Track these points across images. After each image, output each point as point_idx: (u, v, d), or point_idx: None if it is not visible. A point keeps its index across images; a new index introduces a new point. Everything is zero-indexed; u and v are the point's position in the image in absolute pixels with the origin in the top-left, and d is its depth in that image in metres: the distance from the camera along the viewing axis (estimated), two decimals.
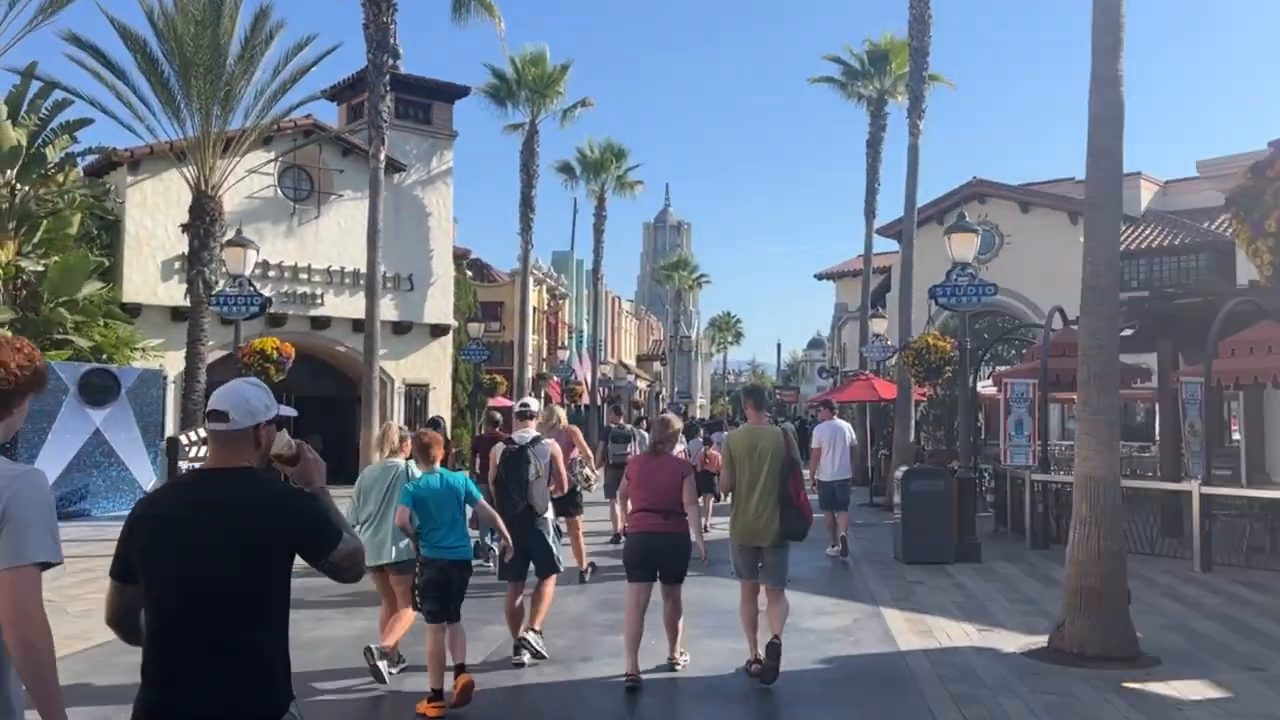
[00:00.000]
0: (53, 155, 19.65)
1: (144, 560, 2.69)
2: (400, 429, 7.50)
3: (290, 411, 11.80)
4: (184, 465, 16.91)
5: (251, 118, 20.17)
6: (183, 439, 17.25)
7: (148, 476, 18.03)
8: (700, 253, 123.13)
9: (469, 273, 33.16)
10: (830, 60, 26.24)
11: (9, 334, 3.88)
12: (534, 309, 35.94)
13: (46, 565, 2.50)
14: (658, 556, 6.70)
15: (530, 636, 7.18)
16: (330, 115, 26.92)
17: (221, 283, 16.58)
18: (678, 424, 7.27)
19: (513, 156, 28.90)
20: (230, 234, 20.34)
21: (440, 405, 26.82)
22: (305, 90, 20.56)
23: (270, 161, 23.33)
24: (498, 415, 14.44)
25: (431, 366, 26.81)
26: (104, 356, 18.85)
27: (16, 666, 2.46)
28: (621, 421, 15.26)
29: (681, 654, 7.04)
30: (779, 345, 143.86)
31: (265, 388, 2.90)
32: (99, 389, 17.18)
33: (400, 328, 25.91)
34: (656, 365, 64.82)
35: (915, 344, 12.06)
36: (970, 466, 12.17)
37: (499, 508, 7.09)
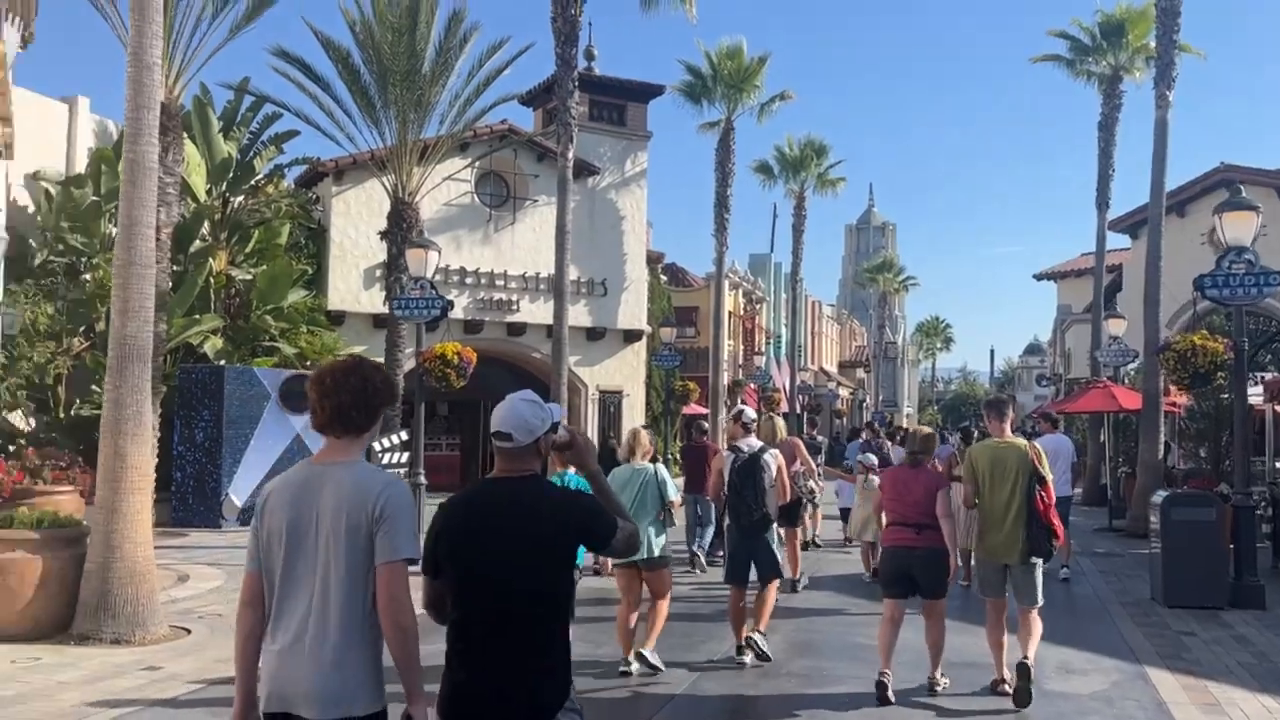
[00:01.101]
0: (260, 167, 20.26)
1: (450, 561, 3.03)
2: (648, 434, 8.10)
3: (558, 410, 11.40)
4: None
5: (446, 124, 20.17)
6: (375, 446, 17.28)
7: None
8: (906, 255, 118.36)
9: (663, 277, 32.48)
10: (1056, 36, 23.79)
11: (357, 353, 3.97)
12: (729, 313, 34.84)
13: (412, 561, 2.89)
14: (912, 571, 6.68)
15: (756, 637, 7.45)
16: (526, 121, 26.84)
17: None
18: (932, 435, 7.38)
19: (708, 156, 27.89)
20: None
21: (634, 412, 26.20)
22: (499, 93, 20.22)
23: (466, 167, 23.34)
24: (705, 424, 14.66)
25: (625, 373, 26.22)
26: (307, 363, 19.19)
27: (389, 645, 2.85)
28: (814, 433, 14.34)
29: (942, 676, 6.84)
30: (992, 351, 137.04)
31: (538, 401, 3.17)
32: (300, 395, 17.33)
33: (593, 334, 25.45)
34: (860, 373, 62.34)
35: (1178, 345, 10.07)
36: (1248, 490, 10.10)
37: (733, 516, 7.50)
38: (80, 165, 18.63)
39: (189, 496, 15.92)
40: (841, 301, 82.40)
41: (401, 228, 18.41)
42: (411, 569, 2.90)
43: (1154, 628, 8.96)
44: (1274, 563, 12.16)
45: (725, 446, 8.19)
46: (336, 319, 21.56)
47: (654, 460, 7.87)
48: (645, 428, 8.65)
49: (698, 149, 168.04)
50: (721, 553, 12.51)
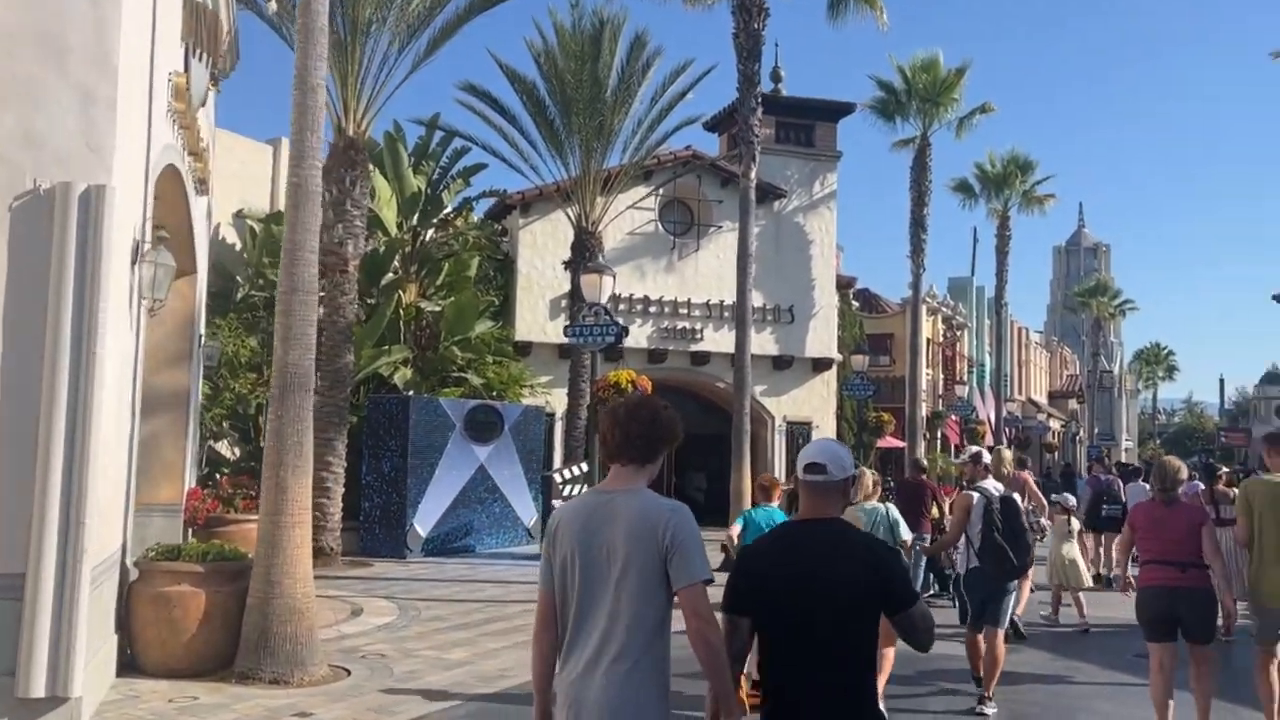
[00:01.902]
0: (449, 200, 20.57)
1: (756, 601, 3.12)
2: (873, 474, 8.09)
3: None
4: (556, 502, 16.66)
5: (629, 151, 19.96)
6: (556, 476, 16.96)
7: (529, 513, 17.98)
8: (1122, 277, 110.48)
9: (855, 303, 31.09)
10: None
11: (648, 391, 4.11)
12: (927, 340, 33.02)
13: (709, 581, 3.02)
14: (1177, 611, 6.27)
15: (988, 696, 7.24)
16: (711, 147, 26.36)
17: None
18: (1181, 465, 6.86)
19: (903, 175, 26.58)
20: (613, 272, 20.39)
21: None
22: (681, 117, 19.80)
23: (650, 194, 23.06)
24: (924, 462, 14.77)
25: (814, 403, 25.09)
26: (493, 394, 19.23)
27: (700, 660, 2.98)
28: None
29: None
30: (1221, 380, 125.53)
31: (848, 447, 3.50)
32: (483, 425, 17.35)
33: (780, 362, 24.50)
34: (1072, 404, 58.16)
35: None
36: None
37: (992, 562, 7.21)
38: (282, 203, 19.47)
39: (375, 526, 16.06)
40: (1050, 328, 77.70)
41: (585, 257, 18.19)
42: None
43: None
44: None
45: (959, 486, 8.23)
46: (523, 349, 21.59)
47: (883, 500, 7.92)
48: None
49: (892, 168, 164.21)
50: (931, 593, 11.68)
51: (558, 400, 20.81)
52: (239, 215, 18.56)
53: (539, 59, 18.99)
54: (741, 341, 16.47)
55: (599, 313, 12.12)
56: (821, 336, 24.90)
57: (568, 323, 19.01)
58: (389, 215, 18.77)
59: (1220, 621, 6.61)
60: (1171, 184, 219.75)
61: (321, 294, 16.21)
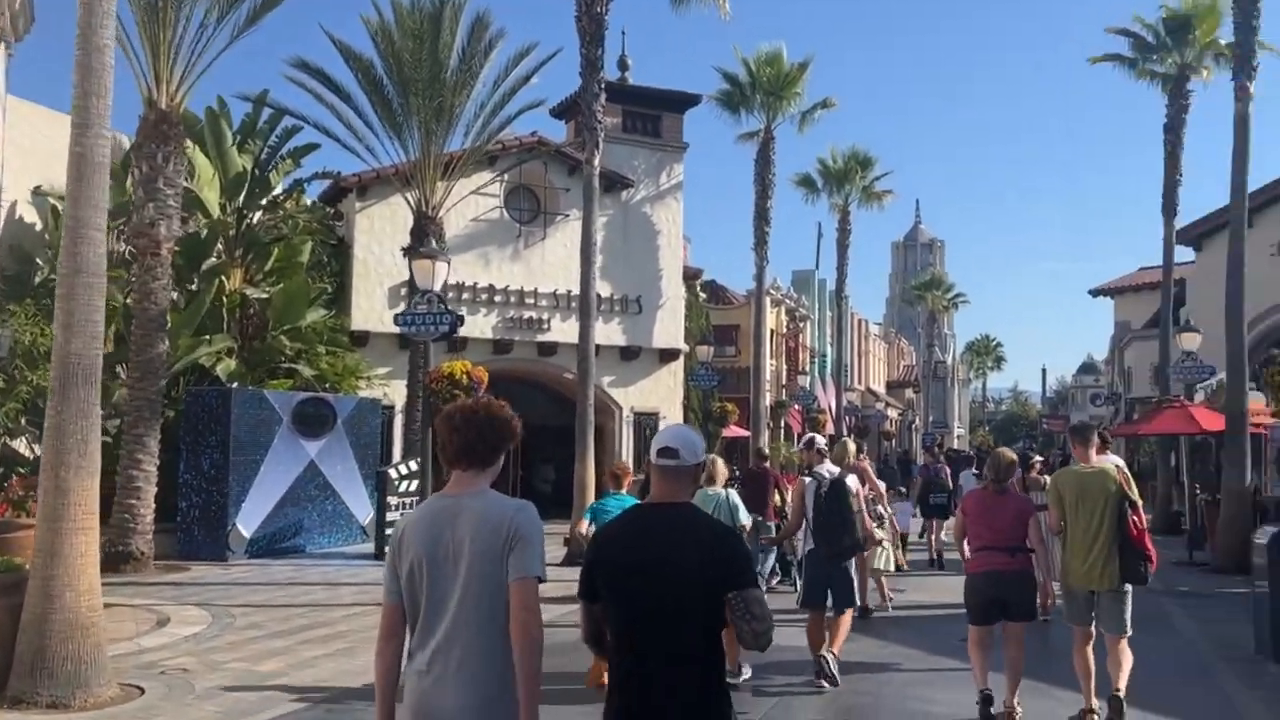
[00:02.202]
0: (277, 180, 19.48)
1: (607, 585, 3.14)
2: (722, 461, 8.53)
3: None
4: (392, 499, 15.99)
5: (472, 135, 19.34)
6: (392, 472, 16.30)
7: (365, 511, 17.20)
8: (955, 272, 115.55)
9: (702, 294, 31.31)
10: (1117, 33, 22.40)
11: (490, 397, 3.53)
12: (771, 332, 33.59)
13: (541, 580, 3.04)
14: (1004, 594, 6.62)
15: (829, 657, 7.47)
16: (559, 134, 25.93)
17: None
18: (1013, 458, 7.16)
19: (748, 168, 26.77)
20: (456, 258, 19.75)
21: None
22: (525, 100, 19.28)
23: (494, 180, 22.48)
24: (766, 450, 14.88)
25: (661, 394, 25.07)
26: (327, 386, 18.33)
27: (518, 657, 2.96)
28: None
29: (1019, 704, 6.65)
30: (1044, 371, 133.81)
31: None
32: (313, 419, 16.47)
33: (627, 353, 24.36)
34: (908, 393, 60.56)
35: None
36: None
37: (822, 542, 7.51)
38: None
39: (194, 528, 15.01)
40: (889, 320, 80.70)
41: (424, 243, 17.50)
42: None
43: (1269, 690, 7.62)
44: None
45: (800, 473, 8.28)
46: (360, 339, 20.69)
47: (727, 485, 8.12)
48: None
49: (737, 161, 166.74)
50: (777, 580, 11.99)
51: (397, 392, 20.05)
52: (38, 192, 17.01)
53: (375, 36, 18.17)
54: (586, 331, 16.19)
55: (432, 300, 11.58)
56: (669, 327, 24.89)
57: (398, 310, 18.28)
58: (211, 196, 17.60)
59: (1038, 602, 6.90)
60: (1001, 184, 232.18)
61: (131, 279, 15.10)
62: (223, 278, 17.44)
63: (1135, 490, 6.80)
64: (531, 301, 23.01)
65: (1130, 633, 6.58)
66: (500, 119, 19.37)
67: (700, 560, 3.04)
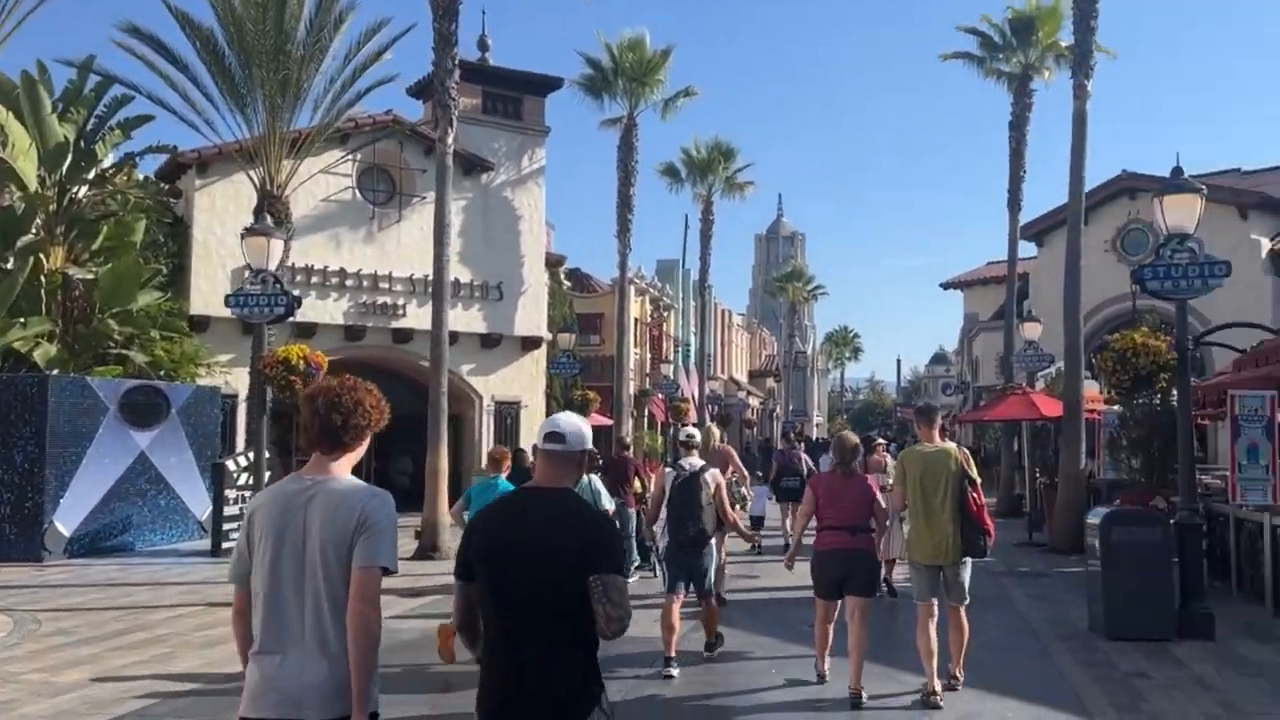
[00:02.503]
0: (103, 153, 18.13)
1: (482, 566, 3.11)
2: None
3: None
4: (230, 493, 15.07)
5: (321, 110, 18.44)
6: (230, 464, 15.39)
7: (202, 506, 16.19)
8: (815, 265, 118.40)
9: (566, 282, 31.00)
10: (966, 32, 23.06)
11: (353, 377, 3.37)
12: (635, 320, 33.54)
13: (388, 571, 2.99)
14: (847, 572, 6.91)
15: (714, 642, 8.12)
16: (416, 114, 25.09)
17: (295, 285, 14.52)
18: (857, 441, 7.51)
19: (613, 155, 26.49)
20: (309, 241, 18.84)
21: (533, 424, 24.57)
22: (378, 76, 18.46)
23: (344, 160, 21.54)
24: (628, 439, 15.33)
25: (523, 382, 24.62)
26: (162, 373, 17.20)
27: (351, 648, 2.90)
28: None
29: (863, 684, 6.82)
30: (899, 361, 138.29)
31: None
32: (144, 408, 15.38)
33: (488, 340, 23.80)
34: (770, 382, 61.65)
35: (1118, 344, 8.96)
36: (1193, 506, 9.04)
37: (671, 531, 7.75)
38: None
39: (5, 526, 13.80)
40: (752, 311, 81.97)
41: (270, 224, 16.56)
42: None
43: (1100, 668, 7.79)
44: (1209, 582, 11.19)
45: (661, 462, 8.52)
46: (200, 324, 19.49)
47: (589, 472, 8.31)
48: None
49: (602, 148, 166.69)
50: (635, 565, 12.17)
51: (241, 381, 19.01)
52: None
53: (216, 3, 17.07)
54: (439, 316, 15.61)
55: (268, 280, 10.86)
56: (531, 315, 24.44)
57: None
58: (27, 167, 16.21)
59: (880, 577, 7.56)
60: (860, 179, 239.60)
61: None
62: (41, 256, 16.11)
63: (975, 469, 7.04)
64: (386, 286, 22.18)
65: (969, 600, 6.97)
66: (351, 95, 18.53)
67: (577, 545, 3.03)
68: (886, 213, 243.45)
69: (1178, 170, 8.96)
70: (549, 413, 25.12)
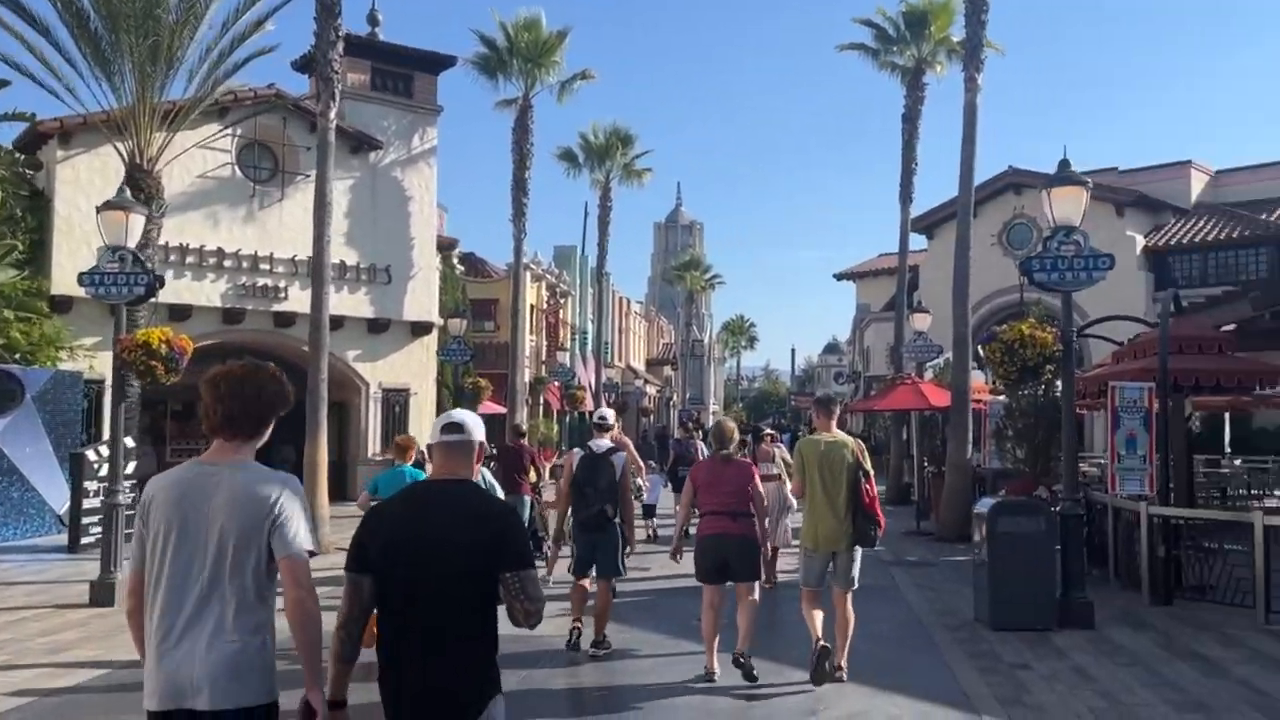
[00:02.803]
0: None
1: (384, 559, 3.05)
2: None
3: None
4: (91, 484, 14.13)
5: (197, 81, 17.42)
6: (91, 454, 14.43)
7: (60, 498, 15.17)
8: (713, 255, 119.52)
9: (459, 267, 30.30)
10: (861, 24, 23.24)
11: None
12: (531, 307, 33.00)
13: (313, 553, 3.04)
14: (727, 557, 6.99)
15: (590, 635, 7.79)
16: (302, 89, 24.07)
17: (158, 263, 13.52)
18: (734, 427, 7.56)
19: (509, 139, 25.87)
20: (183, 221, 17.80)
21: (422, 412, 23.95)
22: (258, 46, 17.49)
23: (222, 134, 20.49)
24: (523, 427, 14.99)
25: (413, 369, 23.92)
26: (17, 357, 16.05)
27: (296, 632, 2.95)
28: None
29: (746, 652, 6.98)
30: (793, 350, 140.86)
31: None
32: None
33: (376, 325, 23.04)
34: (667, 370, 61.78)
35: (1006, 336, 8.99)
36: (1076, 496, 9.15)
37: (574, 511, 7.84)
38: None
39: None
40: (650, 299, 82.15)
41: (139, 200, 15.55)
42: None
43: (985, 660, 7.78)
44: (1087, 570, 11.43)
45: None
46: (62, 305, 18.27)
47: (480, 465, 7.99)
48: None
49: (497, 130, 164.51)
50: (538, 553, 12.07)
51: (107, 365, 17.88)
52: None
53: None
54: (319, 299, 14.94)
55: (126, 258, 10.09)
56: (421, 299, 23.75)
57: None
58: None
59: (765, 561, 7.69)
60: (758, 171, 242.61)
61: None
62: None
63: (869, 461, 7.16)
64: (267, 268, 21.24)
65: (855, 588, 7.12)
66: (229, 65, 17.53)
67: (479, 538, 3.02)
68: (784, 204, 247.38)
69: (1065, 163, 9.01)
70: (440, 401, 24.67)
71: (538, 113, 26.17)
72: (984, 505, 9.08)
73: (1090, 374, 11.78)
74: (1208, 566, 9.81)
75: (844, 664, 7.01)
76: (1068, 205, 8.89)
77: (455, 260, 29.15)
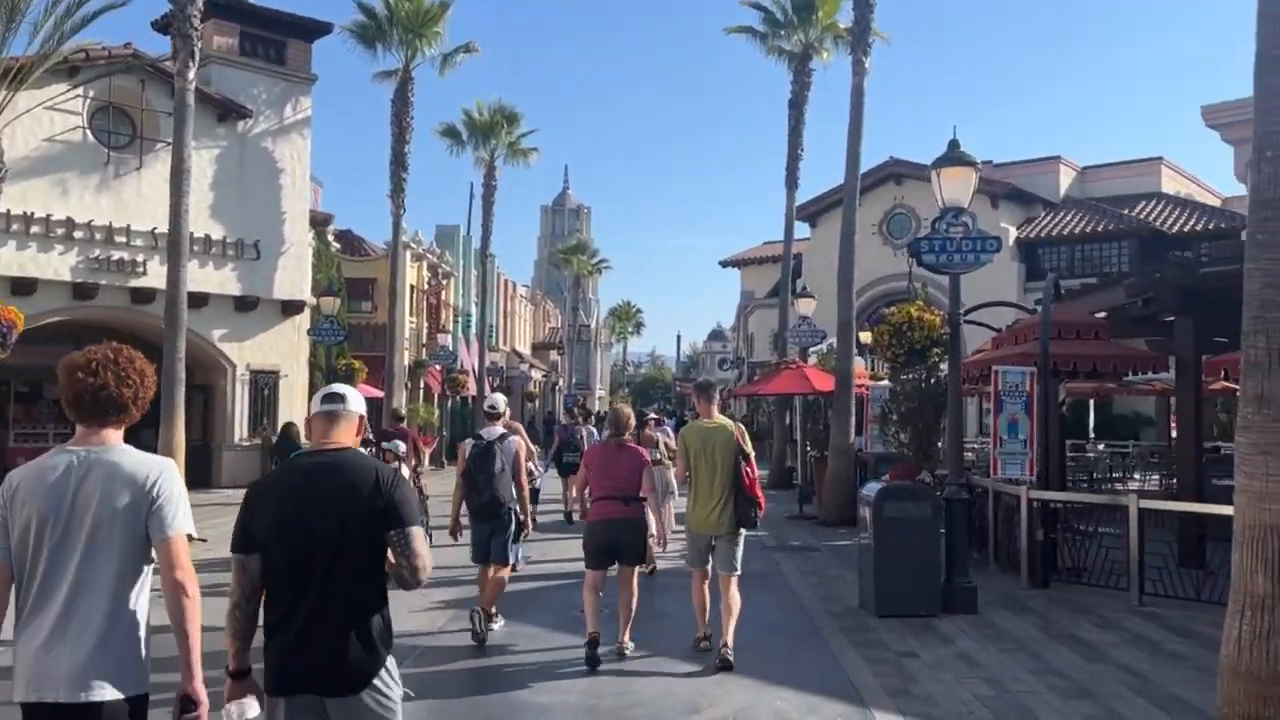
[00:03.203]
0: None
1: (269, 534, 3.06)
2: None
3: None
4: None
5: (41, 35, 16.04)
6: None
7: None
8: (601, 239, 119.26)
9: (336, 244, 29.10)
10: (749, 6, 23.10)
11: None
12: (412, 287, 31.96)
13: (191, 537, 3.01)
14: (618, 541, 7.08)
15: (477, 618, 7.66)
16: (164, 51, 22.56)
17: None
18: (629, 413, 7.77)
19: (389, 112, 24.79)
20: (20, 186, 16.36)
21: (294, 395, 22.89)
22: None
23: (74, 96, 19.02)
24: (402, 411, 15.05)
25: (283, 350, 22.82)
26: None
27: (175, 617, 2.90)
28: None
29: (629, 641, 7.24)
30: (679, 337, 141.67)
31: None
32: None
33: (243, 304, 21.87)
34: (553, 355, 61.14)
35: (894, 318, 8.84)
36: (961, 481, 9.09)
37: (466, 498, 7.82)
38: None
39: None
40: (536, 283, 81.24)
41: None
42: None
43: (872, 649, 7.61)
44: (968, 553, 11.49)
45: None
46: None
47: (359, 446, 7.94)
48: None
49: (378, 104, 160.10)
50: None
51: None
52: None
53: None
54: (175, 275, 14.00)
55: None
56: (293, 276, 22.64)
57: None
58: None
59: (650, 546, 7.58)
60: (646, 154, 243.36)
61: None
62: None
63: (750, 444, 7.25)
64: (123, 240, 19.87)
65: (740, 571, 7.18)
66: (77, 19, 16.22)
67: (365, 501, 3.04)
68: (673, 191, 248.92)
69: (954, 143, 8.90)
70: (312, 382, 23.59)
71: (419, 86, 25.20)
72: (870, 490, 8.93)
73: (972, 358, 11.84)
74: (1083, 550, 9.93)
75: (730, 643, 6.90)
76: (957, 186, 8.79)
77: (331, 237, 27.98)
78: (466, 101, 35.38)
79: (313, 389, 22.39)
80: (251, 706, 3.04)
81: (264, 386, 22.52)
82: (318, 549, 2.99)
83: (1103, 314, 12.64)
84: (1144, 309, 11.78)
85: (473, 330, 37.36)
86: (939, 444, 11.77)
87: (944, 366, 11.91)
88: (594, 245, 68.08)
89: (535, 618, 8.68)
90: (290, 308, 22.68)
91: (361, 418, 3.30)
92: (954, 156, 8.83)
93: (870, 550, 8.68)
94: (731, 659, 6.77)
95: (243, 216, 21.68)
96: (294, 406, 23.09)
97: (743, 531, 7.15)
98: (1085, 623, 8.44)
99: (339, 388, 3.35)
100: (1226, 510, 9.44)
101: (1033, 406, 10.01)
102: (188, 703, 2.89)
